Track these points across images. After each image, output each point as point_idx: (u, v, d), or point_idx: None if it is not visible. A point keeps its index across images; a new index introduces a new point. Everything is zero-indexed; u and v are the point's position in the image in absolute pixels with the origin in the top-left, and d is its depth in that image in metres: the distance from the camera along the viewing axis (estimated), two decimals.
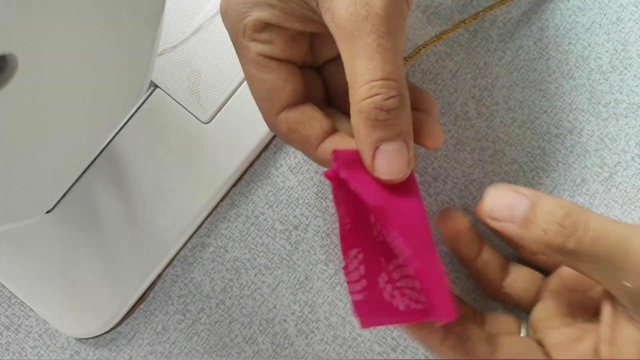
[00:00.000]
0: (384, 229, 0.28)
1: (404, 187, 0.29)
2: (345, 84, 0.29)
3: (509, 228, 0.29)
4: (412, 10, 0.40)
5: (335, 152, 0.29)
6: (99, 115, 0.32)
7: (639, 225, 0.28)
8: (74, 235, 0.38)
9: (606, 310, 0.30)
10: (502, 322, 0.35)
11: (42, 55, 0.23)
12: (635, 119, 0.40)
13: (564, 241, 0.28)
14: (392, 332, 0.39)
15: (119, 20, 0.26)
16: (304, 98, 0.32)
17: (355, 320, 0.39)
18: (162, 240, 0.38)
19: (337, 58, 0.34)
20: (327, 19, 0.28)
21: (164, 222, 0.38)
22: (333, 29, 0.28)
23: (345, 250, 0.30)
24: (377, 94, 0.27)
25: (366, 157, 0.28)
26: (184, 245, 0.39)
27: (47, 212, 0.38)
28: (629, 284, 0.27)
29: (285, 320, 0.39)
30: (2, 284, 0.38)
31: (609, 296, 0.30)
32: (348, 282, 0.30)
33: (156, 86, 0.39)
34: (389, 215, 0.28)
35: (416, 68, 0.40)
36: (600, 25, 0.40)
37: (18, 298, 0.38)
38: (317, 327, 0.39)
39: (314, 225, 0.39)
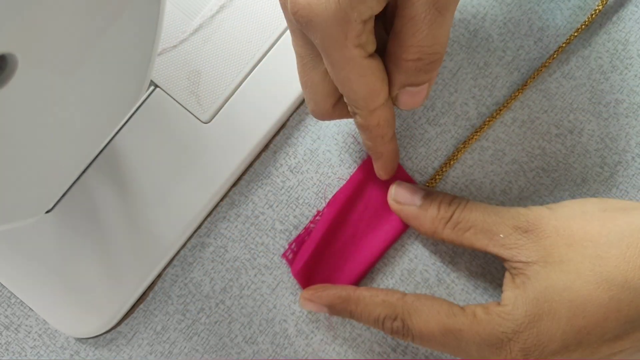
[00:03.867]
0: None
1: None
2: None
3: (410, 210, 0.36)
4: None
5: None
6: (98, 115, 0.32)
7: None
8: (74, 235, 0.38)
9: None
10: None
11: (42, 55, 0.23)
12: (636, 119, 0.40)
13: (451, 214, 0.35)
14: None
15: (118, 20, 0.26)
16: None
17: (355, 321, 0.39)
18: (162, 240, 0.38)
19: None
20: None
21: (164, 222, 0.38)
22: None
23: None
24: (437, 53, 0.30)
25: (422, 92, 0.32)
26: (184, 245, 0.39)
27: (47, 212, 0.38)
28: (502, 235, 0.34)
29: (285, 320, 0.39)
30: (2, 284, 0.38)
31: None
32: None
33: (156, 86, 0.39)
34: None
35: None
36: (600, 25, 0.40)
37: (18, 298, 0.38)
38: (317, 327, 0.39)
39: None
